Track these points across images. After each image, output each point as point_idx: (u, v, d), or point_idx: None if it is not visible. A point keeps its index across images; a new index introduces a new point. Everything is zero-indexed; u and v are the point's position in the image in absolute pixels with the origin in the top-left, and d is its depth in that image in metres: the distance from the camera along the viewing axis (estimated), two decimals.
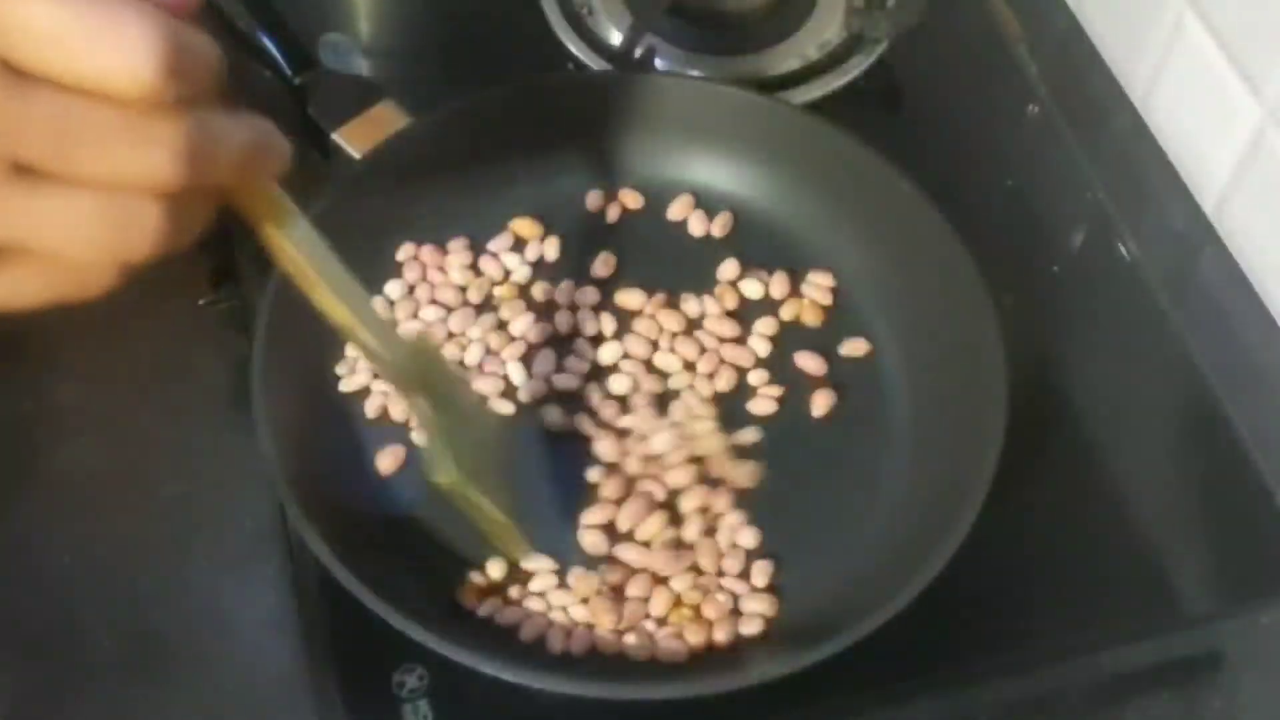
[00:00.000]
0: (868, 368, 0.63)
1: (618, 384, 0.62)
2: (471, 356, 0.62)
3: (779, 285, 0.65)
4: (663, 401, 0.61)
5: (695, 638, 0.55)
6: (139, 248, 0.35)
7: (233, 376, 0.60)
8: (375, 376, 0.61)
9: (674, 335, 0.63)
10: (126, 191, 0.34)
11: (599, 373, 0.62)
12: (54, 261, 0.35)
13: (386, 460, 0.59)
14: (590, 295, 0.64)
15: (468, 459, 0.52)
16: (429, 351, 0.56)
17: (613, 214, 0.67)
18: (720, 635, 0.55)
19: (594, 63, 0.74)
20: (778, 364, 0.63)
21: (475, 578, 0.56)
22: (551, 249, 0.66)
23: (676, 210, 0.67)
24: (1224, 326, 0.67)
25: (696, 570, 0.57)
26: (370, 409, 0.60)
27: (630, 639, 0.55)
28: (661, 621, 0.55)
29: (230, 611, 0.58)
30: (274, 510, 0.57)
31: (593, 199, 0.67)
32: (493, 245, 0.66)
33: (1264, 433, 0.63)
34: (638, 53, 0.74)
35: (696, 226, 0.67)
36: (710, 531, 0.58)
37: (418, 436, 0.59)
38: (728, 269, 0.65)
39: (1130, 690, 0.58)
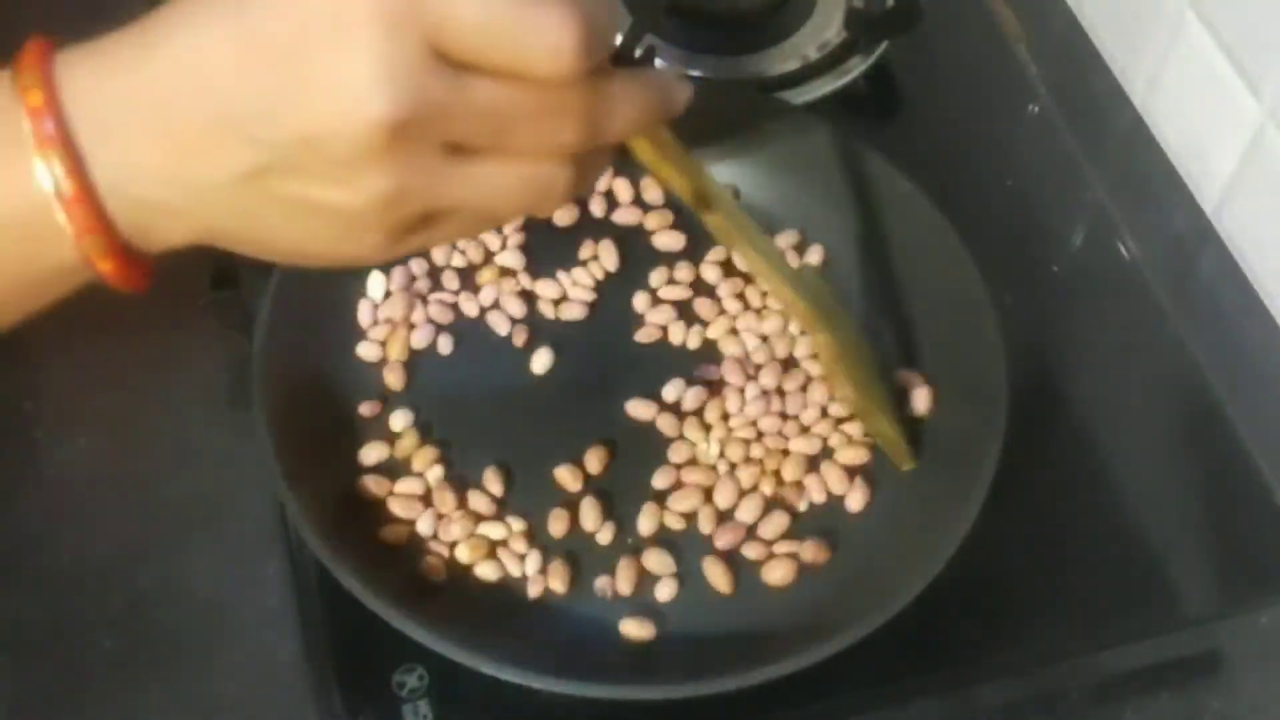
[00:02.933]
0: None
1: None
2: None
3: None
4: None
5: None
6: (553, 203, 0.39)
7: (233, 376, 0.60)
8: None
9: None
10: (545, 159, 0.38)
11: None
12: (478, 220, 0.40)
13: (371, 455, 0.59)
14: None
15: (862, 382, 0.57)
16: (822, 286, 0.58)
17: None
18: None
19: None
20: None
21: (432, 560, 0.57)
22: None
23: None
24: (1224, 326, 0.67)
25: None
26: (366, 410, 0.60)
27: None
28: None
29: (230, 611, 0.58)
30: (274, 510, 0.57)
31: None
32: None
33: (1264, 432, 0.63)
34: (637, 53, 0.74)
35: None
36: None
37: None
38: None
39: (1130, 690, 0.58)
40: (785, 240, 0.66)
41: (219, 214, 0.38)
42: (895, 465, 0.59)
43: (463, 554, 0.56)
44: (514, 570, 0.56)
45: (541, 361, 0.62)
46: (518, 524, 0.57)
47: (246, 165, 0.36)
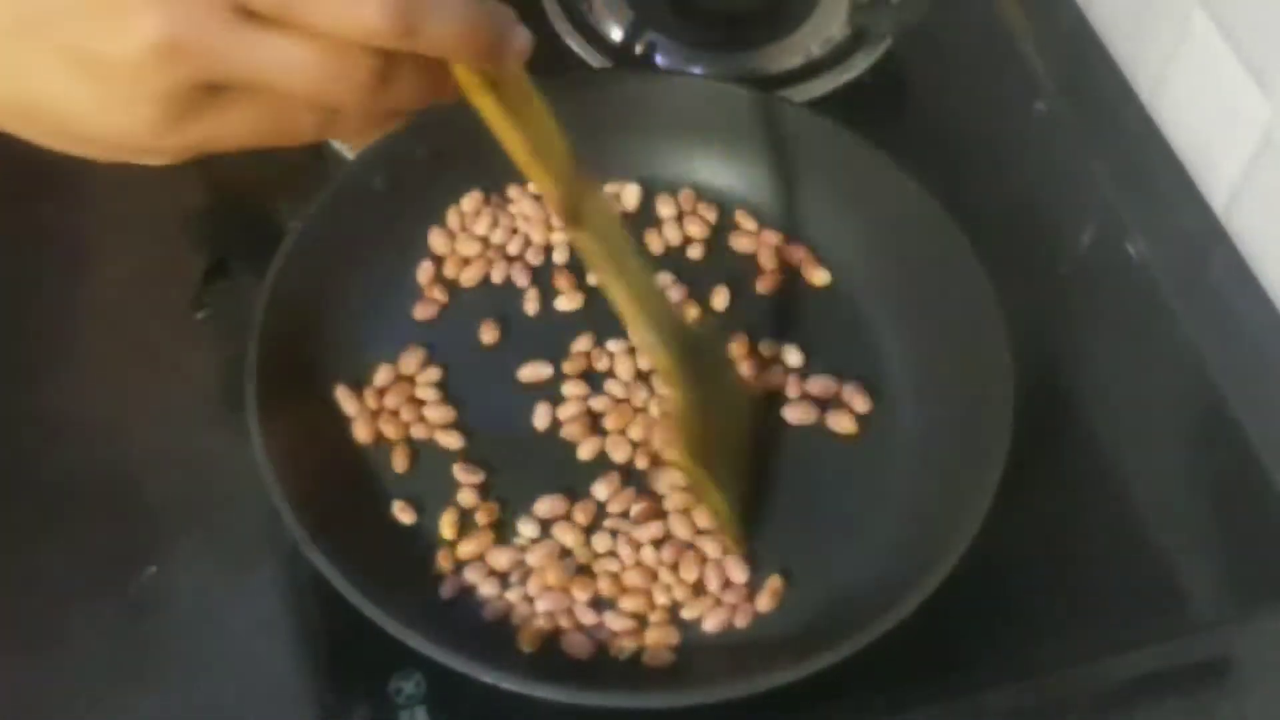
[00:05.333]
0: (869, 368, 0.62)
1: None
2: None
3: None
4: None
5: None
6: (349, 95, 0.38)
7: (226, 379, 0.60)
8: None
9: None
10: (341, 42, 0.37)
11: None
12: (269, 102, 0.38)
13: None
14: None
15: (704, 453, 0.54)
16: (705, 339, 0.57)
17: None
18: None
19: (594, 59, 0.74)
20: None
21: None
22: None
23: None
24: (1233, 327, 0.67)
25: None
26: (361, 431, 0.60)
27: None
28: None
29: (225, 616, 0.57)
30: (269, 514, 0.56)
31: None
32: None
33: (1274, 435, 0.63)
34: (638, 49, 0.74)
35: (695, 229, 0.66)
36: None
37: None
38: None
39: (1139, 696, 0.58)
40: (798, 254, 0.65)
41: None
42: (725, 540, 0.56)
43: (462, 554, 0.56)
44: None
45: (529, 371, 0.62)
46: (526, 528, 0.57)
47: (19, 9, 0.36)
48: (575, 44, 0.74)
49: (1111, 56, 0.75)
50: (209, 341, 0.64)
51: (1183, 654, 0.59)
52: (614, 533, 0.57)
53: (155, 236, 0.67)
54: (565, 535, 0.57)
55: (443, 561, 0.56)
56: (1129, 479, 0.62)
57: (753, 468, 0.59)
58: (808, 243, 0.66)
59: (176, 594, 0.58)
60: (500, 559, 0.56)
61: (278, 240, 0.60)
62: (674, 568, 0.56)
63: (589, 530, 0.57)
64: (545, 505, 0.58)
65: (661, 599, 0.56)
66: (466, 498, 0.58)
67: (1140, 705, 0.57)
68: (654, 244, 0.65)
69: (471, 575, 0.56)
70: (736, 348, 0.62)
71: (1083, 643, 0.58)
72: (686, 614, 0.55)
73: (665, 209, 0.66)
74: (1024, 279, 0.65)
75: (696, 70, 0.73)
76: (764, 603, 0.56)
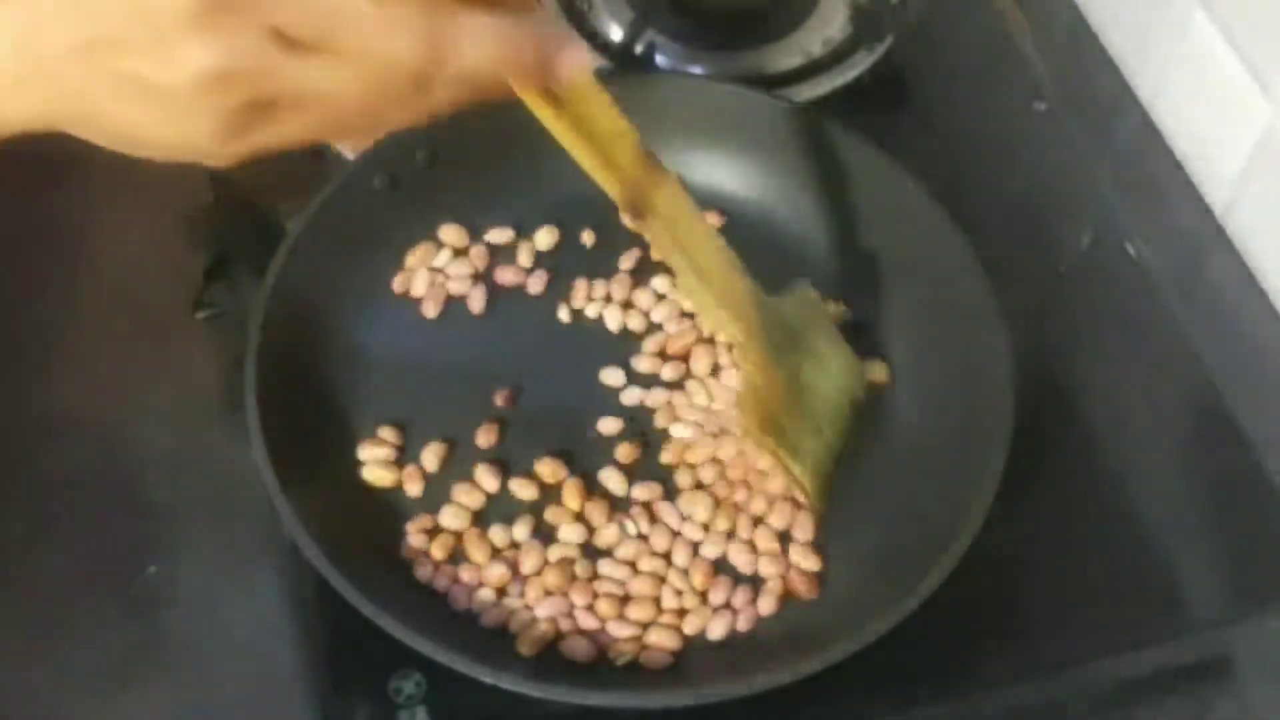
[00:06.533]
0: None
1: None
2: None
3: None
4: None
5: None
6: (389, 114, 0.40)
7: (226, 380, 0.60)
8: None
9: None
10: (378, 65, 0.39)
11: None
12: (320, 110, 0.40)
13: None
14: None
15: (779, 425, 0.55)
16: (778, 318, 0.57)
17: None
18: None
19: (594, 59, 0.74)
20: None
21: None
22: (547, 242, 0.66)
23: None
24: (1233, 327, 0.67)
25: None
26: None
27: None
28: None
29: (225, 617, 0.57)
30: (269, 515, 0.56)
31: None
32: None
33: (1272, 434, 0.63)
34: (639, 49, 0.73)
35: None
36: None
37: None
38: None
39: (1139, 695, 0.58)
40: (787, 240, 0.65)
41: (58, 90, 0.39)
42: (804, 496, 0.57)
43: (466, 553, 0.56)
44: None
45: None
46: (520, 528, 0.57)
47: (83, 36, 0.38)
48: None
49: (1111, 56, 0.75)
50: (209, 341, 0.64)
51: (1183, 654, 0.59)
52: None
53: (155, 236, 0.67)
54: (571, 537, 0.57)
55: (437, 551, 0.56)
56: (1129, 479, 0.62)
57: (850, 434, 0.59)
58: (807, 242, 0.66)
59: (177, 594, 0.57)
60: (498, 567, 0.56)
61: (278, 240, 0.60)
62: (684, 573, 0.57)
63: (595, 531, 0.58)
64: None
65: (670, 603, 0.56)
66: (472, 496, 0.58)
67: (1140, 705, 0.57)
68: None
69: (468, 576, 0.56)
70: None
71: (1083, 643, 0.58)
72: (689, 627, 0.55)
73: None
74: (1023, 279, 0.65)
75: (696, 70, 0.73)
76: (765, 606, 0.56)
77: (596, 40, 0.74)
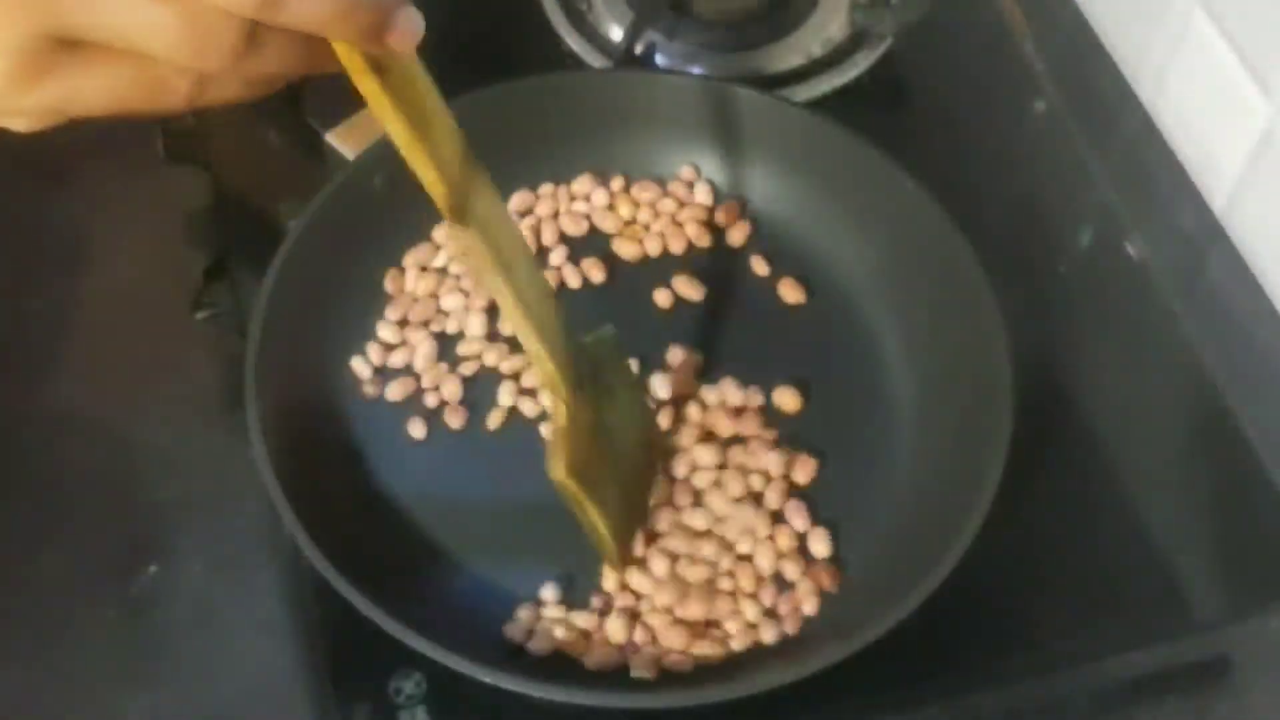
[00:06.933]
0: (870, 368, 0.62)
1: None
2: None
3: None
4: None
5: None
6: (215, 61, 0.36)
7: (226, 378, 0.60)
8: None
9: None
10: (203, 7, 0.35)
11: None
12: (133, 63, 0.37)
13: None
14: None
15: (584, 465, 0.52)
16: (604, 349, 0.55)
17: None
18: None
19: (594, 60, 0.74)
20: None
21: None
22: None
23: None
24: (1233, 327, 0.67)
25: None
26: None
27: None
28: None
29: (225, 616, 0.57)
30: (269, 514, 0.56)
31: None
32: None
33: (1273, 435, 0.63)
34: (638, 49, 0.73)
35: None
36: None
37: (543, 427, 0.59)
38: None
39: (1138, 695, 0.57)
40: (787, 240, 0.65)
41: None
42: (606, 561, 0.56)
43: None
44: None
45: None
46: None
47: None
48: (575, 44, 0.74)
49: (1111, 56, 0.75)
50: (209, 341, 0.64)
51: (1182, 654, 0.59)
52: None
53: (155, 236, 0.67)
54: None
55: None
56: (1127, 478, 0.62)
57: (648, 487, 0.57)
58: (808, 242, 0.66)
59: (176, 594, 0.58)
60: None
61: (278, 240, 0.60)
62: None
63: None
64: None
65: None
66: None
67: (1139, 705, 0.57)
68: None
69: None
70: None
71: (1083, 643, 0.58)
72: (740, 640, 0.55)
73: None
74: (1023, 278, 0.65)
75: (696, 70, 0.73)
76: (809, 607, 0.56)
77: (596, 40, 0.74)
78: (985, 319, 0.59)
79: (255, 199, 0.68)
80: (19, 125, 0.38)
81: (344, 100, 0.67)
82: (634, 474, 0.57)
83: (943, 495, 0.56)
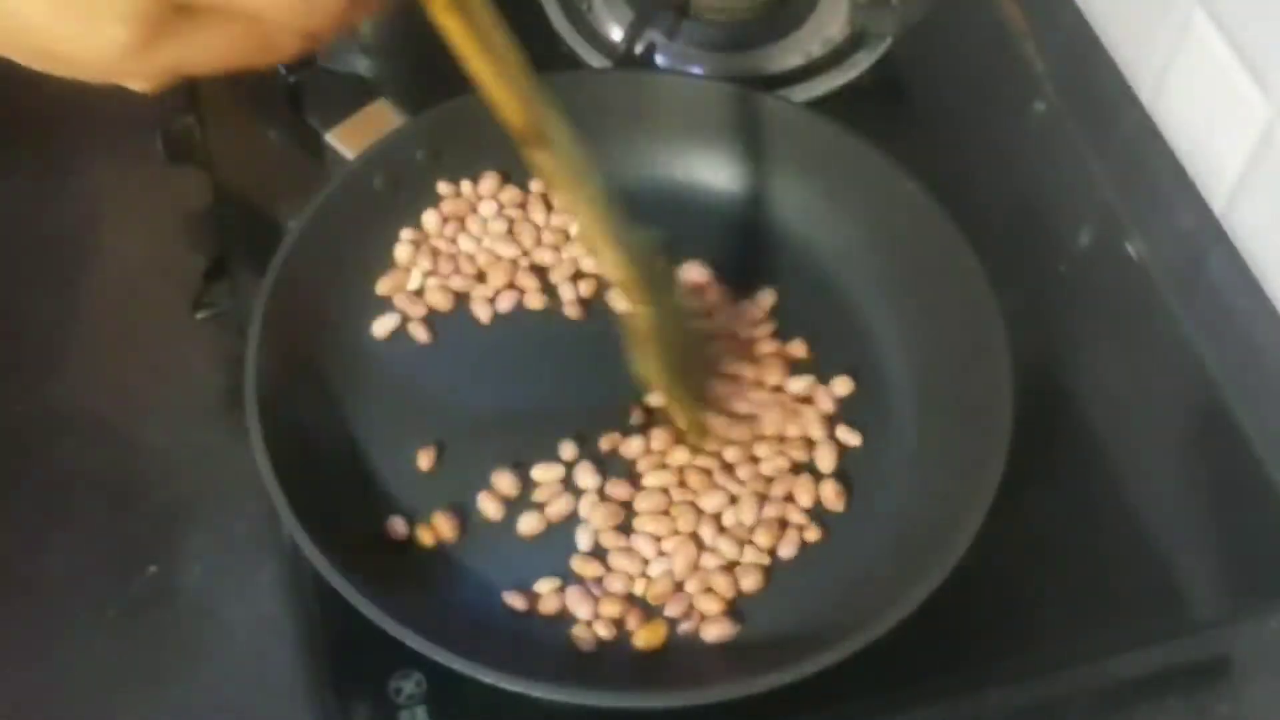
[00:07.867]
0: (870, 368, 0.62)
1: None
2: None
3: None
4: None
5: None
6: (319, 20, 0.38)
7: (226, 379, 0.60)
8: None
9: None
10: None
11: None
12: (245, 24, 0.38)
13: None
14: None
15: (671, 365, 0.56)
16: (655, 257, 0.56)
17: None
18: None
19: (594, 59, 0.74)
20: None
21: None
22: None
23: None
24: (1233, 327, 0.67)
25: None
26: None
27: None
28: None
29: (225, 617, 0.57)
30: (269, 515, 0.56)
31: None
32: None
33: (1273, 434, 0.63)
34: (638, 49, 0.73)
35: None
36: None
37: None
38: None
39: (1138, 695, 0.57)
40: (787, 239, 0.65)
41: None
42: (694, 444, 0.59)
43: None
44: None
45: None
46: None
47: None
48: (575, 44, 0.74)
49: (1111, 56, 0.75)
50: (209, 341, 0.64)
51: (1181, 654, 0.59)
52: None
53: (155, 236, 0.67)
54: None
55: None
56: (1127, 478, 0.62)
57: (712, 372, 0.61)
58: (807, 241, 0.66)
59: (177, 593, 0.58)
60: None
61: (278, 240, 0.60)
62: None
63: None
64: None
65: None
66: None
67: (1139, 705, 0.57)
68: None
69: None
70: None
71: (1083, 643, 0.58)
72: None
73: None
74: (1023, 278, 0.65)
75: (696, 70, 0.73)
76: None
77: (596, 40, 0.74)
78: (985, 318, 0.59)
79: (255, 199, 0.68)
80: (138, 85, 0.40)
81: (344, 100, 0.68)
82: (699, 360, 0.60)
83: (942, 495, 0.56)
